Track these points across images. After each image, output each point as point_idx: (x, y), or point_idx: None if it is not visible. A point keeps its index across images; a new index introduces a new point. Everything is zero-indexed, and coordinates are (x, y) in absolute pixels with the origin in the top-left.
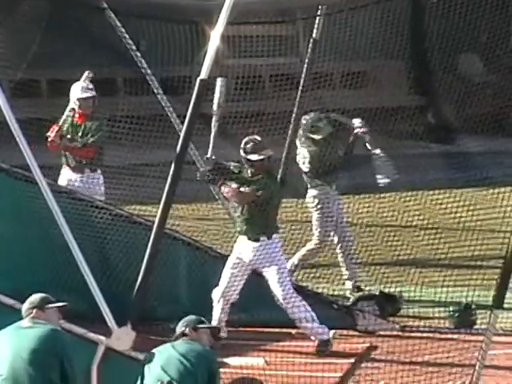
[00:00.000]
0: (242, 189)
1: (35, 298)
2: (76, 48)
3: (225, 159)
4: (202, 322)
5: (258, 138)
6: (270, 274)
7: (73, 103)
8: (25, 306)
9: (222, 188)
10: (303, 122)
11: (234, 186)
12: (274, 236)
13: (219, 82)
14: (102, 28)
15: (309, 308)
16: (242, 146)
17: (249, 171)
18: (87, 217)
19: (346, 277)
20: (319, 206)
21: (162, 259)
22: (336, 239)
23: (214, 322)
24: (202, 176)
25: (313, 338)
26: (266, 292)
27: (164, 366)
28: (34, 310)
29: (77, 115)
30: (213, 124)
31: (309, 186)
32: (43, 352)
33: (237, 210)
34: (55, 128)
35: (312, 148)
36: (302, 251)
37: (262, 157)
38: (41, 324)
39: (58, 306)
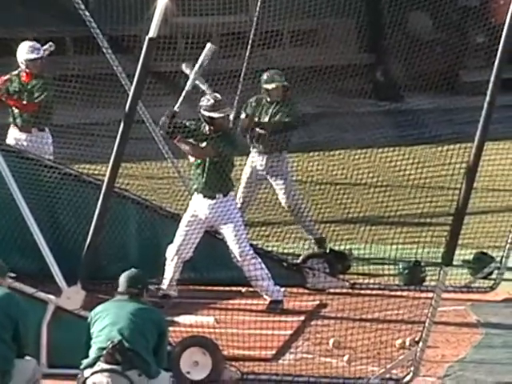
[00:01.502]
0: (202, 144)
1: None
2: (24, 7)
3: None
4: (143, 279)
5: (219, 95)
6: (227, 231)
7: (20, 63)
8: None
9: (180, 142)
10: (262, 77)
11: (192, 141)
12: (230, 193)
13: (209, 46)
14: None
15: (264, 266)
16: (203, 103)
17: (206, 128)
18: (36, 176)
19: (306, 235)
20: (248, 168)
21: (111, 218)
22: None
23: (167, 280)
24: (162, 126)
25: (265, 296)
26: (215, 251)
27: (114, 325)
28: None
29: (24, 74)
30: (189, 82)
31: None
32: None
33: (196, 168)
34: (3, 78)
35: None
36: None
37: (222, 115)
38: None
39: None
